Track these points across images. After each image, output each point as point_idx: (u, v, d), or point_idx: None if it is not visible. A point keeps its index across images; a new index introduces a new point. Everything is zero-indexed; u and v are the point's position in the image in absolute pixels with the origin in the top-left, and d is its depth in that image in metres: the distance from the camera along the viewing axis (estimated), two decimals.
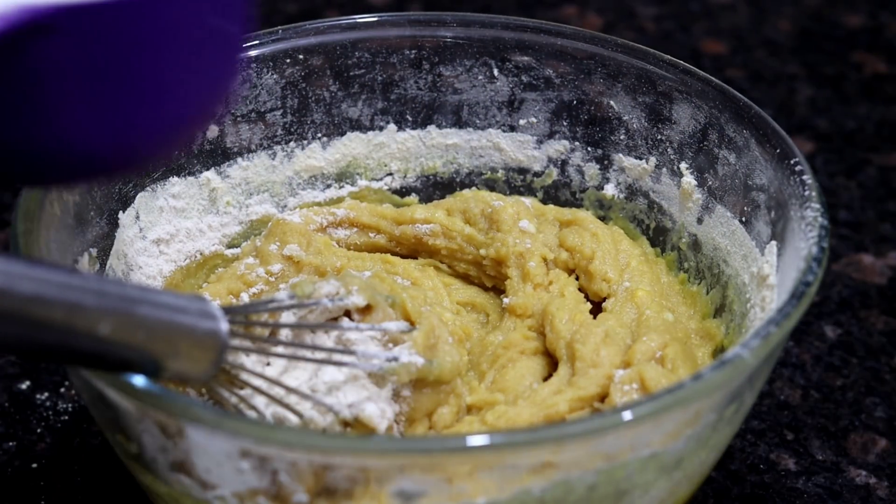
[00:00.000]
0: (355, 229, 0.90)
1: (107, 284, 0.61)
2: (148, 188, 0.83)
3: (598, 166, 0.91)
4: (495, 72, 0.91)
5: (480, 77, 0.91)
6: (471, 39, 0.90)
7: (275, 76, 0.88)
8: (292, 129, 0.90)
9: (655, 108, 0.87)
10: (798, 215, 0.74)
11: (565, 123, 0.91)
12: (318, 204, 0.92)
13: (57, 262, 0.72)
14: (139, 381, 0.62)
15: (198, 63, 0.62)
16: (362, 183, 0.93)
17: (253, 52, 0.87)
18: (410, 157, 0.93)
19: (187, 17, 0.61)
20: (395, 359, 0.73)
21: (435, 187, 0.94)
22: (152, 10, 0.59)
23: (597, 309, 0.83)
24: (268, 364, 0.73)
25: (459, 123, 0.92)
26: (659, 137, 0.88)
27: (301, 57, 0.89)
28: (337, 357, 0.73)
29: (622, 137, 0.89)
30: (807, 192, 0.75)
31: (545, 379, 0.79)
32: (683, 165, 0.86)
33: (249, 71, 0.87)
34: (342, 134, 0.92)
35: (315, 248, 0.87)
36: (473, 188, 0.93)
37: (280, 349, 0.73)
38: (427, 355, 0.75)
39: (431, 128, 0.92)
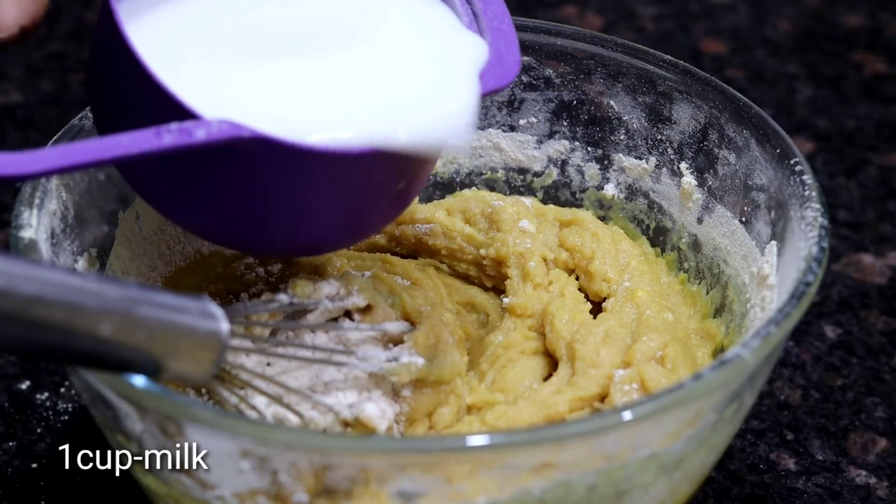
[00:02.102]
0: None
1: (107, 284, 0.61)
2: None
3: (598, 166, 0.91)
4: None
5: None
6: None
7: None
8: None
9: (655, 108, 0.87)
10: (798, 215, 0.74)
11: (565, 123, 0.91)
12: None
13: (57, 263, 0.72)
14: (139, 381, 0.62)
15: (358, 207, 0.72)
16: None
17: None
18: None
19: (362, 175, 0.69)
20: (396, 359, 0.73)
21: (435, 187, 0.94)
22: (334, 163, 0.67)
23: (597, 309, 0.83)
24: (268, 364, 0.73)
25: None
26: (659, 137, 0.87)
27: None
28: (337, 357, 0.73)
29: (622, 137, 0.89)
30: (807, 192, 0.75)
31: (545, 379, 0.79)
32: (683, 165, 0.86)
33: None
34: None
35: None
36: (473, 188, 0.93)
37: (280, 349, 0.73)
38: (427, 355, 0.75)
39: None
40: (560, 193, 0.92)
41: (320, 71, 0.70)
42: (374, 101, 0.68)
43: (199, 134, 0.63)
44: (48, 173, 0.62)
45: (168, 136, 0.62)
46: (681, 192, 0.87)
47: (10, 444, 0.85)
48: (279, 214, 0.70)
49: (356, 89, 0.69)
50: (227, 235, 0.73)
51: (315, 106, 0.68)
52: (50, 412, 0.87)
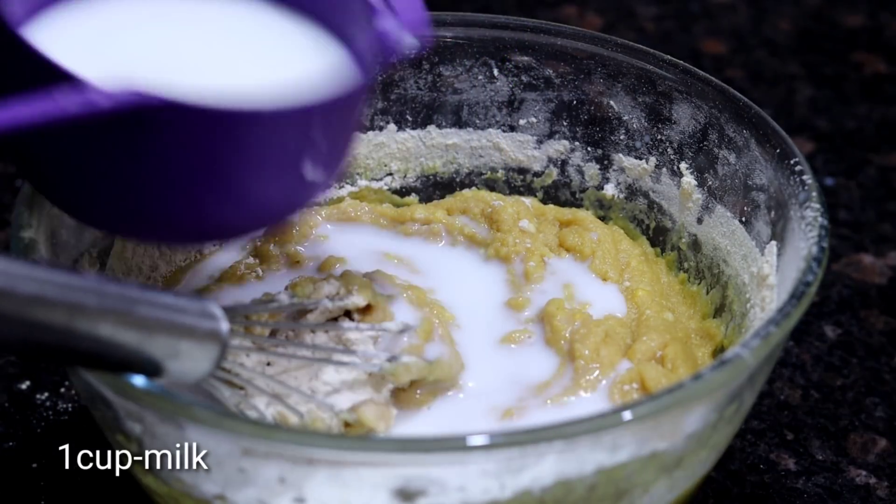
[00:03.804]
0: None
1: (107, 285, 0.61)
2: None
3: (598, 166, 0.91)
4: (495, 72, 0.91)
5: (480, 77, 0.91)
6: (471, 39, 0.90)
7: None
8: None
9: (655, 108, 0.87)
10: (798, 215, 0.74)
11: (565, 123, 0.91)
12: (318, 204, 0.92)
13: (57, 263, 0.72)
14: (139, 381, 0.62)
15: (265, 188, 0.65)
16: (362, 183, 0.93)
17: None
18: (410, 157, 0.93)
19: (274, 149, 0.63)
20: (396, 359, 0.73)
21: (435, 187, 0.94)
22: (247, 132, 0.61)
23: None
24: (268, 364, 0.73)
25: (459, 123, 0.92)
26: (659, 137, 0.88)
27: None
28: (337, 357, 0.73)
29: (622, 137, 0.89)
30: (807, 192, 0.75)
31: None
32: (683, 165, 0.87)
33: None
34: None
35: None
36: (473, 188, 0.93)
37: (280, 349, 0.73)
38: (427, 354, 0.75)
39: (431, 128, 0.92)
40: (560, 193, 0.92)
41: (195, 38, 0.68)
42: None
43: (103, 103, 0.57)
44: None
45: (63, 101, 0.56)
46: (681, 192, 0.87)
47: (10, 444, 0.85)
48: (194, 186, 0.63)
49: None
50: (128, 220, 0.65)
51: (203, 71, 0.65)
52: (50, 412, 0.87)
